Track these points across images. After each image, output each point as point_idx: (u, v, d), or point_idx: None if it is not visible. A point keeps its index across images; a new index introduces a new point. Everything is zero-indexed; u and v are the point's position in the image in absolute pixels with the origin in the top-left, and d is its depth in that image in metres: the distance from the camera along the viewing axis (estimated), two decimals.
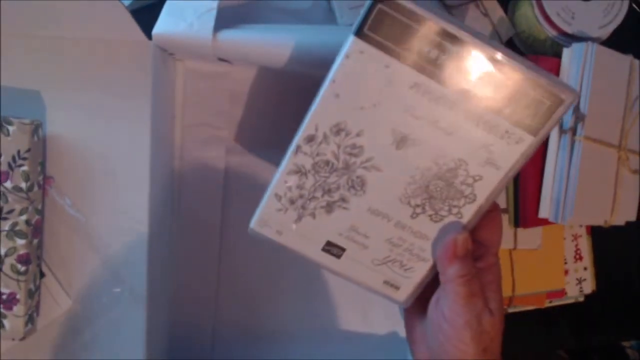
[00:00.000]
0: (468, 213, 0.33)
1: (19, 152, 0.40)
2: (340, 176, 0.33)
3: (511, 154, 0.31)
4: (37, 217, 0.42)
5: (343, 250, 0.35)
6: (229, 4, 0.47)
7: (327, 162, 0.32)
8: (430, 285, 0.36)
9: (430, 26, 0.28)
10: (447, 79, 0.29)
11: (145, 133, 0.43)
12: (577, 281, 0.60)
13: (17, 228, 0.40)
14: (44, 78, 0.43)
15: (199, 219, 0.52)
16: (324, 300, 0.54)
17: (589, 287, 0.60)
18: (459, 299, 0.32)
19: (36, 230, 0.42)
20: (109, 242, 0.44)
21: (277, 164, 0.51)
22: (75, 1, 0.39)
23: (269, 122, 0.51)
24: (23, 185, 0.40)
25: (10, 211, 0.40)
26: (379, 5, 0.28)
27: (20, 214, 0.40)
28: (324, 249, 0.35)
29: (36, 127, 0.41)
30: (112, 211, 0.44)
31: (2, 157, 0.40)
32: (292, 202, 0.34)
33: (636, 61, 0.52)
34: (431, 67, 0.29)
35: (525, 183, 0.52)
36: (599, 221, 0.53)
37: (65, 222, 0.43)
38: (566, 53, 0.51)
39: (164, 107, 0.48)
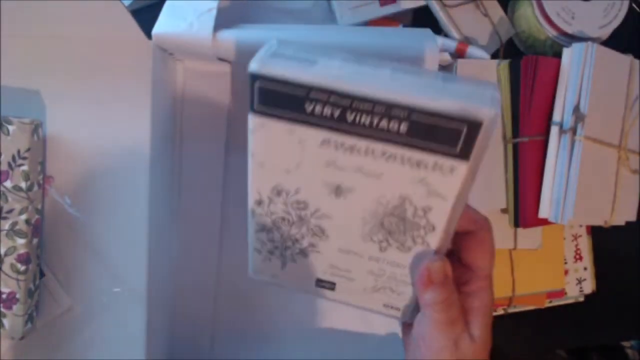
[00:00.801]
0: (434, 241, 0.32)
1: (18, 151, 0.40)
2: (299, 227, 0.33)
3: (451, 183, 0.29)
4: (36, 216, 0.42)
5: (334, 284, 0.36)
6: (228, 4, 0.47)
7: (283, 218, 0.33)
8: None
9: (316, 88, 0.27)
10: (353, 129, 0.28)
11: (145, 132, 0.43)
12: (577, 281, 0.60)
13: (17, 227, 0.40)
14: (44, 78, 0.43)
15: (199, 219, 0.52)
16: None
17: (589, 287, 0.60)
18: (436, 325, 0.32)
19: (36, 229, 0.42)
20: (108, 241, 0.44)
21: None
22: (75, 1, 0.39)
23: None
24: (23, 184, 0.40)
25: (10, 210, 0.40)
26: (257, 83, 0.27)
27: (20, 213, 0.40)
28: (317, 285, 0.36)
29: (36, 127, 0.41)
30: (112, 211, 0.44)
31: (2, 157, 0.40)
32: (271, 252, 0.36)
33: (636, 61, 0.52)
34: (333, 122, 0.28)
35: (525, 183, 0.52)
36: (599, 221, 0.53)
37: (65, 222, 0.43)
38: (566, 53, 0.51)
39: (164, 107, 0.48)
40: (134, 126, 0.43)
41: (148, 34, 0.43)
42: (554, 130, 0.51)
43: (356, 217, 0.32)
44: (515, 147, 0.52)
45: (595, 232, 0.60)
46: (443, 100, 0.26)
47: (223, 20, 0.43)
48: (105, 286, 0.44)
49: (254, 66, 0.27)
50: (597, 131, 0.50)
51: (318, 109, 0.28)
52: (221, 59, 0.47)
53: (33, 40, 0.42)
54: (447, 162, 0.28)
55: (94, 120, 0.43)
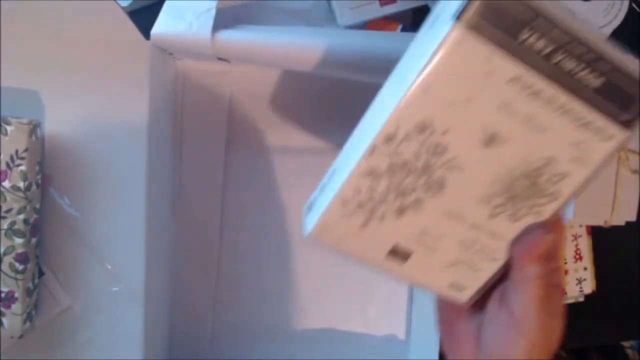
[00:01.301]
0: (550, 211, 0.31)
1: (17, 151, 0.40)
2: (418, 177, 0.30)
3: (602, 150, 0.29)
4: (35, 216, 0.42)
5: (409, 254, 0.32)
6: (228, 4, 0.47)
7: (406, 163, 0.29)
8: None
9: (544, 16, 0.26)
10: (552, 72, 0.27)
11: (144, 132, 0.43)
12: (577, 281, 0.60)
13: (15, 227, 0.40)
14: (42, 78, 0.43)
15: (198, 218, 0.52)
16: (323, 300, 0.54)
17: (589, 287, 0.60)
18: (535, 301, 0.30)
19: (34, 229, 0.42)
20: (107, 241, 0.44)
21: (277, 163, 0.52)
22: (74, 1, 0.39)
23: (268, 122, 0.51)
24: (21, 184, 0.40)
25: (9, 210, 0.40)
26: None
27: (18, 213, 0.40)
28: (389, 254, 0.32)
29: (34, 127, 0.41)
30: (111, 210, 0.44)
31: (1, 157, 0.40)
32: (360, 206, 0.30)
33: (636, 61, 0.51)
34: (537, 59, 0.27)
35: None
36: (599, 221, 0.52)
37: (64, 221, 0.43)
38: None
39: (163, 107, 0.48)
40: (132, 126, 0.43)
41: (147, 35, 0.43)
42: None
43: (490, 174, 0.30)
44: None
45: (595, 232, 0.60)
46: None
47: (222, 21, 0.43)
48: (104, 285, 0.44)
49: None
50: None
51: (532, 40, 0.26)
52: (221, 59, 0.47)
53: (31, 41, 0.42)
54: (611, 127, 0.28)
55: (92, 120, 0.43)
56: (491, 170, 0.30)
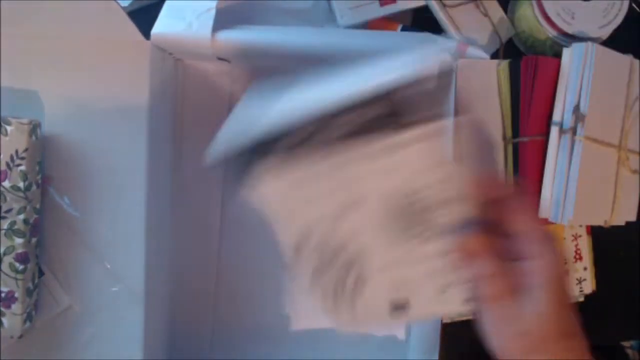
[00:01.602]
0: (456, 214, 0.32)
1: (16, 151, 0.40)
2: (338, 261, 0.33)
3: (429, 151, 0.30)
4: (35, 216, 0.42)
5: (407, 300, 0.34)
6: (228, 4, 0.47)
7: (321, 260, 0.33)
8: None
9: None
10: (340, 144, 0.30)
11: (143, 132, 0.43)
12: (577, 281, 0.60)
13: (15, 227, 0.40)
14: (42, 78, 0.43)
15: (198, 218, 0.52)
16: None
17: (589, 287, 0.60)
18: (487, 299, 0.32)
19: (34, 229, 0.42)
20: (107, 240, 0.44)
21: None
22: (74, 1, 0.39)
23: None
24: (21, 184, 0.40)
25: (9, 210, 0.40)
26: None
27: (19, 213, 0.40)
28: (393, 309, 0.35)
29: (34, 127, 0.41)
30: (111, 210, 0.44)
31: (1, 157, 0.40)
32: (334, 296, 0.34)
33: (636, 61, 0.52)
34: (318, 148, 0.30)
35: (525, 183, 0.52)
36: (599, 221, 0.52)
37: (63, 221, 0.43)
38: (566, 53, 0.51)
39: (163, 106, 0.48)
40: (132, 126, 0.43)
41: (147, 35, 0.43)
42: (554, 130, 0.51)
43: (380, 223, 0.32)
44: (515, 147, 0.52)
45: (595, 232, 0.60)
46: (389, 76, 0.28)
47: (222, 20, 0.43)
48: (103, 285, 0.44)
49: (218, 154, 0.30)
50: (597, 131, 0.50)
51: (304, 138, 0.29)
52: (221, 59, 0.47)
53: (31, 41, 0.42)
54: (410, 133, 0.29)
55: (92, 120, 0.43)
56: (378, 221, 0.32)
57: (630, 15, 0.53)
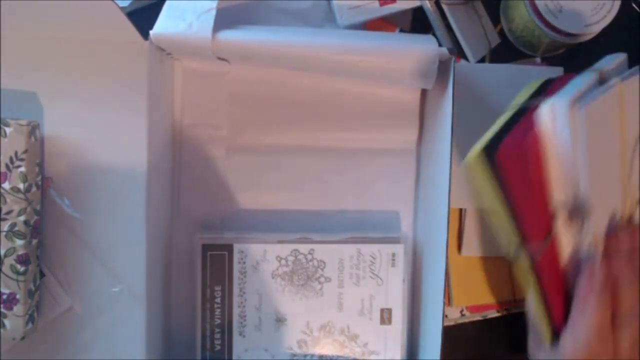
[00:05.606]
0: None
1: (16, 153, 0.40)
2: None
3: None
4: (35, 217, 0.42)
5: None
6: (228, 4, 0.47)
7: None
8: None
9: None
10: None
11: (143, 132, 0.43)
12: None
13: (16, 229, 0.40)
14: (41, 79, 0.43)
15: (198, 219, 0.52)
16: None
17: None
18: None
19: (35, 230, 0.42)
20: (107, 241, 0.44)
21: (277, 163, 0.52)
22: (73, 1, 0.39)
23: (268, 122, 0.51)
24: (21, 186, 0.40)
25: (9, 212, 0.40)
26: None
27: (19, 214, 0.40)
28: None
29: (33, 128, 0.41)
30: (111, 211, 0.44)
31: (0, 158, 0.40)
32: None
33: (624, 85, 0.39)
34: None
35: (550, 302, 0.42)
36: None
37: (64, 222, 0.43)
38: (546, 116, 0.35)
39: (162, 107, 0.48)
40: (131, 126, 0.43)
41: (147, 35, 0.43)
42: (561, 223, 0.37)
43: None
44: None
45: None
46: None
47: (222, 21, 0.43)
48: (104, 286, 0.44)
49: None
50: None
51: None
52: (221, 59, 0.47)
53: (30, 42, 0.42)
54: None
55: (91, 121, 0.43)
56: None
57: (624, 12, 0.52)
